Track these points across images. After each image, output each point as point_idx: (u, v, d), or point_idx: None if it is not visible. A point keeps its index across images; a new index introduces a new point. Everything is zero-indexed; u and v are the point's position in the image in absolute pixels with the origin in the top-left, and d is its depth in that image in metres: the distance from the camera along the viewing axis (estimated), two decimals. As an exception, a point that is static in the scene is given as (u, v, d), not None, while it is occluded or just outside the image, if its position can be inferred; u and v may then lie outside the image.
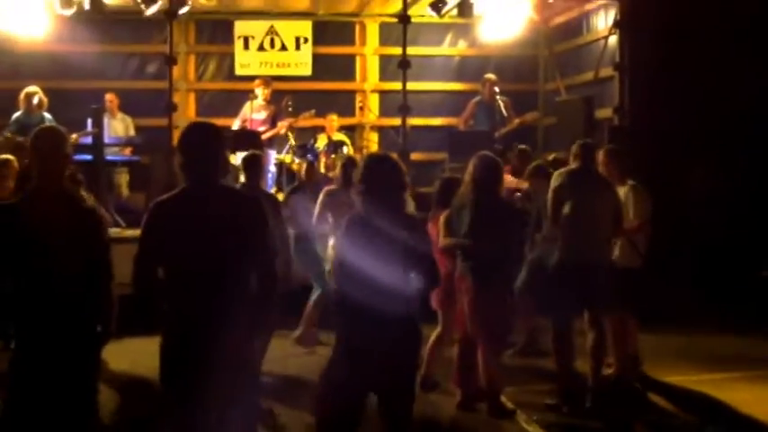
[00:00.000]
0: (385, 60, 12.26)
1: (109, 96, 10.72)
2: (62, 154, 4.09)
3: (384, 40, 12.31)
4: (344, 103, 12.13)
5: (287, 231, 7.13)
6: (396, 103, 10.04)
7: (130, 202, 10.28)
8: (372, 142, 11.95)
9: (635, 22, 9.35)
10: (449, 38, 12.55)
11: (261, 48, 12.03)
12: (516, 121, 10.50)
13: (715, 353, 7.58)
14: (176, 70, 10.15)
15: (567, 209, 6.04)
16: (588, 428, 5.96)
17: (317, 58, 12.16)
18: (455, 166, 8.67)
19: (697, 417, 6.12)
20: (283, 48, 12.08)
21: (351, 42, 12.45)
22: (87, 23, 10.91)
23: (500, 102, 10.49)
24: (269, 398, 5.81)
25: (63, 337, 3.96)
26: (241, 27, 12.01)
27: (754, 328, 8.24)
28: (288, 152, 10.31)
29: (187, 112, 11.87)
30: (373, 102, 12.27)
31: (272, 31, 12.03)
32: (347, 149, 10.58)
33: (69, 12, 9.67)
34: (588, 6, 10.88)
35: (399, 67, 9.69)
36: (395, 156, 4.50)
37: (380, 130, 12.16)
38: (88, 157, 9.19)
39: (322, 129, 11.14)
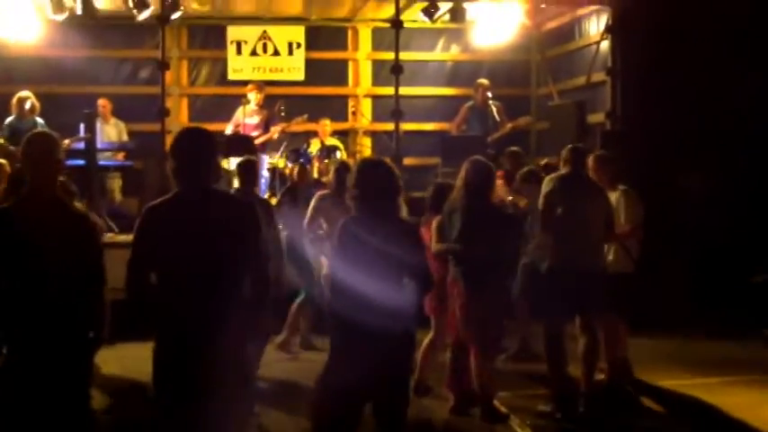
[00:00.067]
0: (378, 65, 12.27)
1: (101, 101, 10.71)
2: (54, 159, 4.08)
3: (377, 45, 12.33)
4: (337, 107, 12.13)
5: (280, 236, 7.13)
6: (388, 108, 10.05)
7: (123, 207, 10.26)
8: (365, 147, 11.96)
9: (627, 27, 9.38)
10: (441, 43, 12.58)
11: (254, 53, 12.03)
12: (509, 125, 10.52)
13: (708, 357, 7.59)
14: (169, 75, 10.15)
15: (557, 214, 6.05)
16: (581, 433, 5.97)
17: (309, 63, 12.17)
18: (448, 170, 8.68)
19: (690, 421, 6.13)
20: (276, 53, 12.08)
21: (343, 47, 12.46)
22: (79, 28, 10.88)
23: (492, 107, 10.52)
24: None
25: (55, 342, 3.94)
26: (234, 32, 12.01)
27: (747, 333, 8.26)
28: (281, 156, 10.31)
29: (180, 117, 11.84)
30: (366, 107, 12.28)
31: (264, 36, 12.03)
32: (340, 154, 10.57)
33: (61, 17, 9.65)
34: (580, 11, 10.92)
35: (392, 72, 9.70)
36: (388, 160, 4.51)
37: (373, 134, 12.17)
38: (81, 162, 9.16)
39: (315, 134, 11.14)
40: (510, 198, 7.41)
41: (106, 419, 5.53)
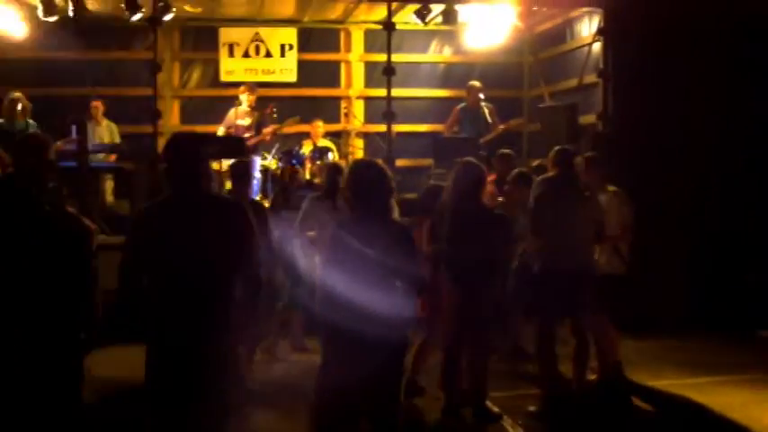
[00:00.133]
0: (370, 67, 12.29)
1: (94, 103, 10.69)
2: (46, 161, 4.08)
3: (369, 47, 12.34)
4: (330, 109, 12.16)
5: (273, 239, 7.12)
6: (381, 110, 10.05)
7: (115, 209, 10.24)
8: (358, 149, 11.96)
9: (618, 29, 9.39)
10: (434, 45, 12.60)
11: (246, 54, 12.03)
12: (501, 127, 10.55)
13: (699, 357, 7.61)
14: (161, 77, 10.12)
15: (546, 217, 6.06)
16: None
17: (302, 65, 12.17)
18: (440, 172, 8.70)
19: (681, 421, 6.14)
20: (268, 54, 12.09)
21: (336, 49, 12.47)
22: (71, 30, 10.86)
23: (485, 108, 10.55)
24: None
25: (45, 344, 3.94)
26: (226, 34, 12.01)
27: (739, 333, 8.30)
28: (273, 158, 10.31)
29: (172, 118, 11.84)
30: (358, 108, 12.29)
31: (257, 38, 12.04)
32: (333, 156, 10.59)
33: (53, 18, 9.63)
34: (572, 14, 10.94)
35: (384, 73, 9.71)
36: (381, 162, 4.52)
37: (366, 136, 12.18)
38: (72, 163, 9.14)
39: (307, 135, 11.16)
40: (500, 199, 7.43)
41: (97, 421, 5.51)
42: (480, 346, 5.98)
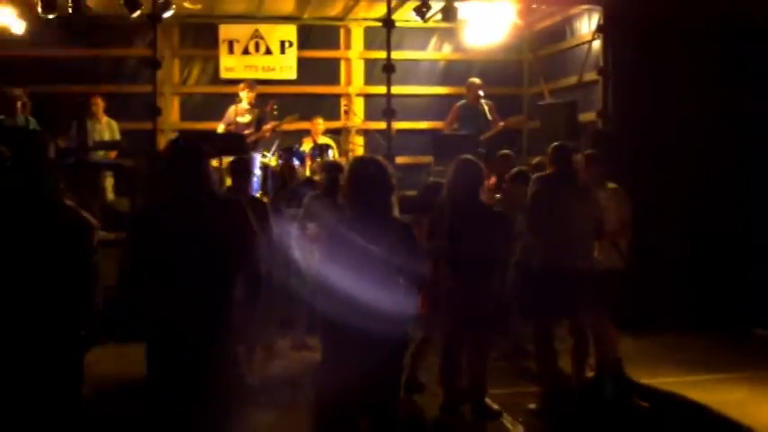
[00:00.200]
0: (370, 64, 12.28)
1: (94, 100, 10.67)
2: (46, 158, 4.09)
3: (369, 45, 12.33)
4: (330, 106, 12.15)
5: (273, 236, 7.12)
6: (381, 107, 10.05)
7: (115, 206, 10.25)
8: (358, 146, 11.95)
9: (618, 27, 9.40)
10: (433, 42, 12.60)
11: (246, 51, 12.01)
12: (501, 124, 10.56)
13: (697, 355, 7.63)
14: (161, 74, 10.12)
15: (543, 214, 6.07)
16: (572, 431, 5.98)
17: (302, 62, 12.16)
18: (440, 169, 8.70)
19: (678, 419, 6.16)
20: (268, 51, 12.07)
21: (336, 46, 12.46)
22: (71, 27, 10.85)
23: (484, 106, 10.55)
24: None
25: (45, 340, 3.95)
26: (226, 31, 11.99)
27: (736, 331, 8.31)
28: (273, 155, 10.31)
29: (171, 116, 11.83)
30: (358, 105, 12.28)
31: (256, 35, 12.02)
32: (333, 153, 10.59)
33: (52, 15, 9.62)
34: (572, 11, 10.94)
35: (384, 71, 9.71)
36: (382, 158, 4.51)
37: (366, 133, 12.16)
38: (73, 160, 9.15)
39: (307, 132, 11.17)
40: (498, 196, 7.44)
41: (97, 417, 5.53)
42: (480, 343, 5.99)
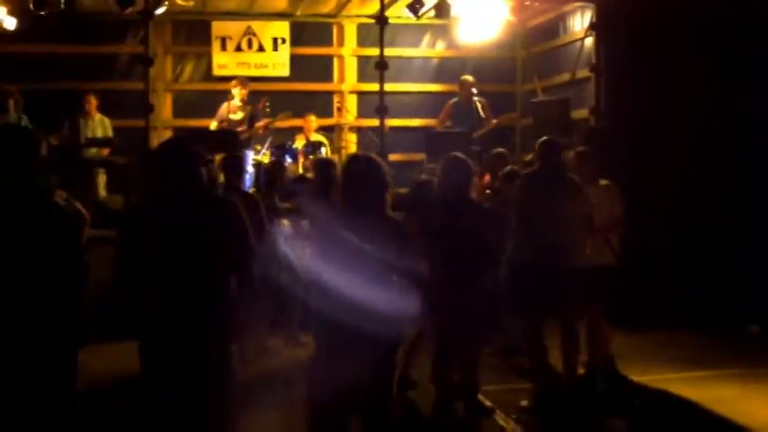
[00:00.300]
0: (363, 61, 12.29)
1: (87, 97, 10.65)
2: (38, 156, 4.07)
3: (362, 42, 12.33)
4: (322, 103, 12.14)
5: (265, 232, 7.11)
6: (374, 104, 10.06)
7: (108, 203, 10.23)
8: (351, 143, 11.96)
9: (611, 24, 9.43)
10: (426, 39, 12.60)
11: (238, 48, 12.00)
12: (494, 122, 10.56)
13: (689, 351, 7.64)
14: (153, 71, 10.10)
15: (530, 210, 6.07)
16: (564, 428, 6.00)
17: (294, 59, 12.15)
18: (433, 166, 8.70)
19: (670, 415, 6.17)
20: (261, 48, 12.06)
21: (329, 43, 12.45)
22: (63, 24, 10.84)
23: (477, 103, 10.55)
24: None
25: (40, 339, 3.94)
26: (218, 28, 11.98)
27: (729, 327, 8.34)
28: (266, 152, 10.30)
29: (164, 112, 11.82)
30: (351, 103, 12.28)
31: (249, 32, 12.01)
32: (325, 150, 10.60)
33: (44, 12, 9.59)
34: (564, 8, 10.95)
35: (377, 68, 9.72)
36: (376, 156, 4.50)
37: (359, 130, 12.17)
38: (65, 158, 9.13)
39: (300, 129, 11.17)
40: (488, 191, 7.44)
41: (91, 415, 5.52)
42: (472, 339, 5.99)
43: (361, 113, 12.06)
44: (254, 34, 12.02)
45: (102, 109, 10.81)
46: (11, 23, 10.11)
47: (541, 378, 6.15)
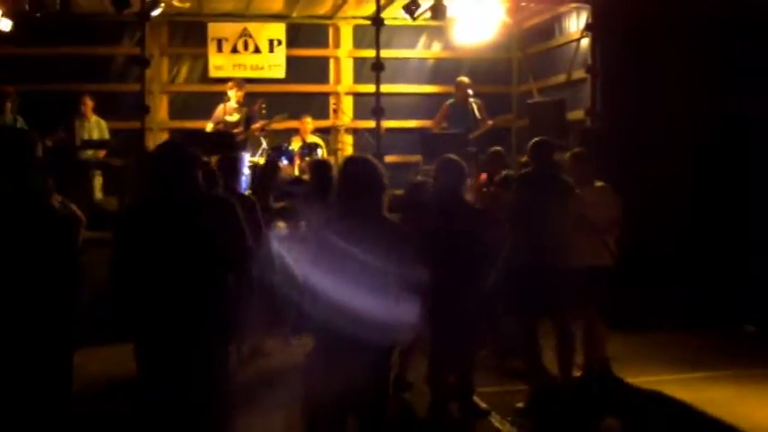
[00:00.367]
0: (359, 63, 12.28)
1: (83, 99, 10.64)
2: (34, 157, 4.08)
3: (358, 43, 12.33)
4: (319, 105, 12.15)
5: (262, 233, 7.11)
6: (370, 106, 10.07)
7: (104, 205, 10.21)
8: (347, 144, 11.97)
9: (606, 25, 9.44)
10: (422, 40, 12.60)
11: (234, 50, 12.00)
12: (489, 123, 10.57)
13: (684, 353, 7.64)
14: (149, 72, 10.10)
15: (523, 211, 6.08)
16: (559, 430, 6.00)
17: (290, 61, 12.15)
18: (429, 168, 8.69)
19: (665, 417, 6.18)
20: (257, 50, 12.06)
21: (325, 45, 12.45)
22: (59, 25, 10.83)
23: (473, 104, 10.56)
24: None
25: (36, 341, 3.94)
26: (214, 29, 11.97)
27: (724, 328, 8.35)
28: (261, 155, 10.31)
29: (160, 114, 11.81)
30: (347, 104, 12.28)
31: (245, 34, 12.01)
32: (321, 152, 10.60)
33: (40, 13, 9.58)
34: (560, 9, 10.97)
35: (373, 69, 9.72)
36: (374, 158, 4.50)
37: (355, 132, 12.18)
38: (61, 159, 9.12)
39: (296, 131, 11.17)
40: (484, 189, 7.44)
41: (87, 417, 5.52)
42: (467, 341, 5.99)
43: (358, 115, 12.06)
44: (251, 36, 12.02)
45: (98, 110, 10.80)
46: (6, 25, 10.09)
47: (537, 380, 6.15)
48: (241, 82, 10.81)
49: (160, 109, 11.86)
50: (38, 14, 9.57)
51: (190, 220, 3.88)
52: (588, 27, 9.72)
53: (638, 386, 6.65)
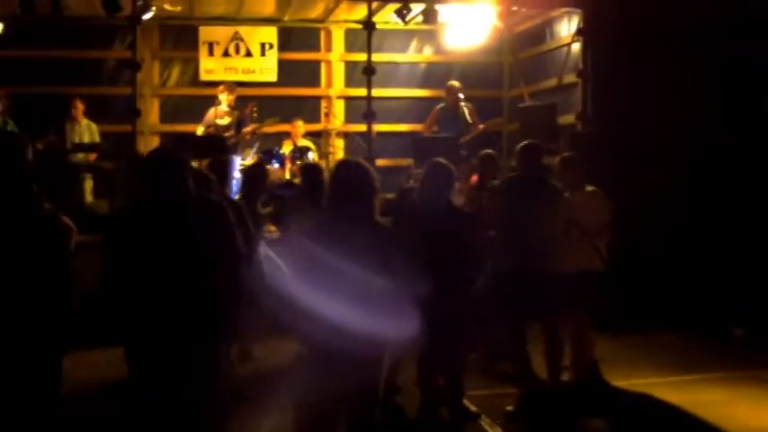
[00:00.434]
0: (350, 67, 12.29)
1: (74, 102, 10.63)
2: (24, 160, 4.07)
3: (349, 47, 12.34)
4: (310, 109, 12.16)
5: (251, 238, 7.10)
6: (361, 110, 10.07)
7: (95, 209, 10.20)
8: (338, 148, 11.98)
9: (597, 30, 9.46)
10: (414, 44, 12.62)
11: (226, 53, 11.99)
12: (480, 127, 10.59)
13: (674, 355, 7.67)
14: (140, 76, 10.08)
15: (511, 216, 6.09)
16: (549, 432, 6.03)
17: (282, 64, 12.16)
18: (420, 172, 8.71)
19: (655, 420, 6.19)
20: (248, 54, 12.06)
21: (316, 48, 12.46)
22: (50, 28, 10.81)
23: (464, 108, 10.58)
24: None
25: (25, 345, 3.93)
26: (206, 33, 11.97)
27: (713, 331, 8.37)
28: (253, 158, 10.30)
29: (151, 117, 11.79)
30: (339, 108, 12.29)
31: (236, 37, 12.01)
32: (312, 155, 10.60)
33: (31, 16, 9.57)
34: (551, 14, 10.99)
35: (364, 73, 9.73)
36: (365, 161, 4.49)
37: (346, 136, 12.18)
38: (52, 162, 9.10)
39: (288, 134, 11.17)
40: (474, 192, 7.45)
41: (76, 421, 5.51)
42: (457, 344, 6.00)
43: (349, 119, 12.07)
44: (242, 39, 12.02)
45: (89, 114, 10.78)
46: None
47: (526, 383, 6.16)
48: (232, 85, 10.81)
49: (151, 112, 11.84)
50: (29, 17, 9.56)
51: (180, 223, 3.89)
52: (579, 31, 9.74)
53: (627, 389, 6.66)
